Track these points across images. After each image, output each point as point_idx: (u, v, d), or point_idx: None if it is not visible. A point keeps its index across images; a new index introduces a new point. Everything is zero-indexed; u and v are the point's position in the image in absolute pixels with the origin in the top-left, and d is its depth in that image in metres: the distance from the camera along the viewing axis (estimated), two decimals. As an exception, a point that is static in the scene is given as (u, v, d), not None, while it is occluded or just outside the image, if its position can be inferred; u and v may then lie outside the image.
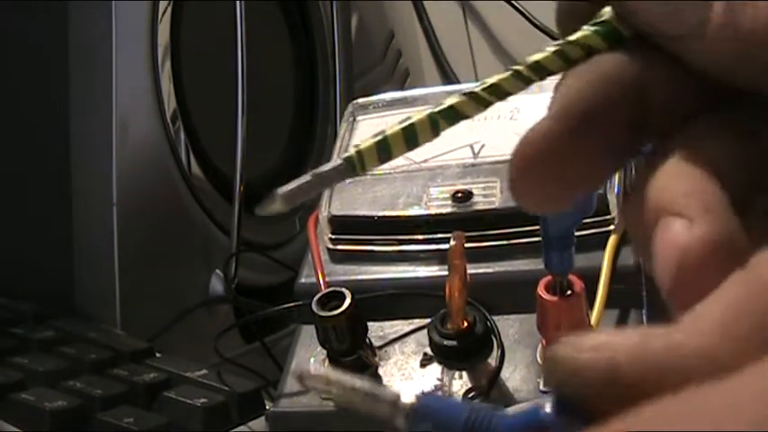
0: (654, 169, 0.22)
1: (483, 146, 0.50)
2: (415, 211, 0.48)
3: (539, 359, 0.43)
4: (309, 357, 0.46)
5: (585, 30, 0.24)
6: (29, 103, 0.61)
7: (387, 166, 0.51)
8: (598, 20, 0.24)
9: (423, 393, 0.24)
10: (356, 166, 0.25)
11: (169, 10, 0.64)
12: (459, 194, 0.47)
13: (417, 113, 0.25)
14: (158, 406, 0.47)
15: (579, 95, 0.22)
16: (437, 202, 0.48)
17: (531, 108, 0.52)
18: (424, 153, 0.51)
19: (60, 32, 0.59)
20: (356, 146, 0.25)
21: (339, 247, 0.49)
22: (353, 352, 0.43)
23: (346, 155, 0.25)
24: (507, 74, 0.25)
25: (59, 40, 0.59)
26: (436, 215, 0.47)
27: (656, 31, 0.22)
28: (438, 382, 0.43)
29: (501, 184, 0.47)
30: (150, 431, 0.44)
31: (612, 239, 0.44)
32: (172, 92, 0.63)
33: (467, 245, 0.41)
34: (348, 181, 0.50)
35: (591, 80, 0.22)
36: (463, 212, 0.47)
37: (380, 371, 0.44)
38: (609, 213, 0.45)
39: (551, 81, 0.56)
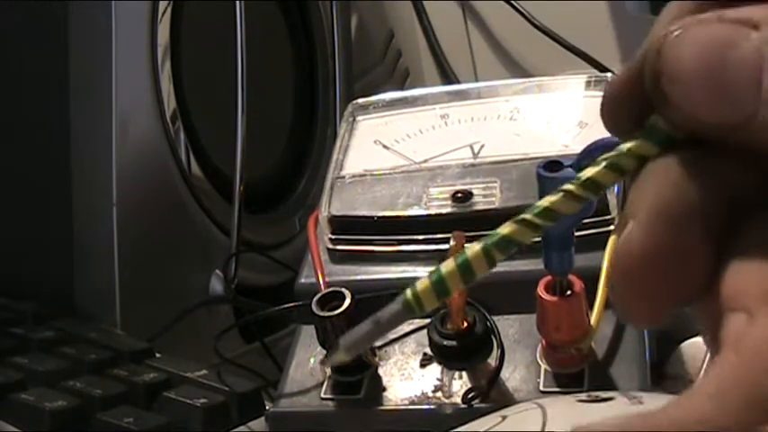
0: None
1: (483, 146, 0.50)
2: (414, 211, 0.48)
3: (539, 359, 0.43)
4: (309, 357, 0.46)
5: (636, 139, 0.23)
6: (29, 102, 0.61)
7: (387, 166, 0.51)
8: (648, 126, 0.23)
9: None
10: (414, 308, 0.25)
11: (169, 10, 0.64)
12: (459, 194, 0.47)
13: (471, 247, 0.25)
14: (158, 406, 0.47)
15: (669, 202, 0.22)
16: (437, 202, 0.48)
17: (530, 108, 0.52)
18: (424, 153, 0.51)
19: (60, 32, 0.59)
20: (412, 287, 0.25)
21: (339, 247, 0.49)
22: (353, 352, 0.43)
23: (403, 299, 0.26)
24: (559, 195, 0.24)
25: (59, 40, 0.59)
26: (436, 215, 0.47)
27: (718, 125, 0.21)
28: (438, 383, 0.43)
29: (501, 184, 0.47)
30: (150, 431, 0.44)
31: (612, 239, 0.44)
32: (172, 92, 0.63)
33: (467, 245, 0.41)
34: (348, 181, 0.50)
35: (675, 184, 0.22)
36: (463, 212, 0.47)
37: (380, 371, 0.44)
38: (609, 213, 0.45)
39: (551, 81, 0.56)
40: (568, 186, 0.24)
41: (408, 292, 0.25)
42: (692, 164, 0.22)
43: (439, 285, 0.25)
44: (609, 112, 0.24)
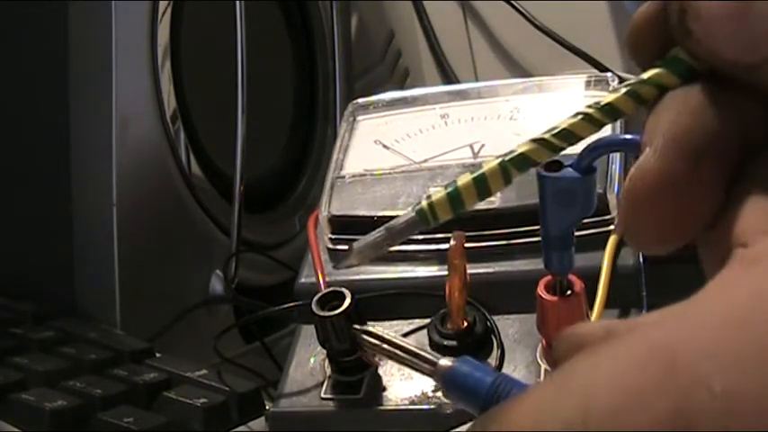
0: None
1: (483, 146, 0.50)
2: (415, 211, 0.47)
3: (539, 359, 0.43)
4: (309, 357, 0.46)
5: (657, 68, 0.23)
6: (29, 103, 0.61)
7: (387, 166, 0.51)
8: (669, 57, 0.23)
9: (459, 358, 0.25)
10: (428, 218, 0.26)
11: (169, 10, 0.64)
12: (459, 194, 0.47)
13: (487, 162, 0.25)
14: (158, 406, 0.47)
15: (686, 129, 0.22)
16: (437, 201, 0.48)
17: (530, 108, 0.52)
18: (424, 153, 0.51)
19: (60, 32, 0.59)
20: (428, 197, 0.25)
21: (339, 247, 0.49)
22: (353, 352, 0.43)
23: (418, 207, 0.26)
24: (578, 118, 0.24)
25: (59, 40, 0.59)
26: (436, 215, 0.47)
27: (736, 62, 0.22)
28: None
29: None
30: (150, 431, 0.44)
31: (612, 239, 0.44)
32: (172, 92, 0.63)
33: (467, 245, 0.41)
34: (348, 181, 0.50)
35: (693, 112, 0.22)
36: (463, 212, 0.47)
37: (380, 371, 0.44)
38: (609, 213, 0.45)
39: (551, 81, 0.56)
40: (587, 109, 0.24)
41: (424, 202, 0.25)
42: (710, 94, 0.22)
43: (455, 197, 0.25)
44: (632, 44, 0.24)
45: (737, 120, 0.22)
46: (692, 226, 0.22)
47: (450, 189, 0.25)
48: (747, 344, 0.16)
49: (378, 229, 0.26)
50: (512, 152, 0.25)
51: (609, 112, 0.24)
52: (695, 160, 0.21)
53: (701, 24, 0.22)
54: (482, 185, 0.25)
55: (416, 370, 0.26)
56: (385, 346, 0.29)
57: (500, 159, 0.25)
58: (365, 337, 0.29)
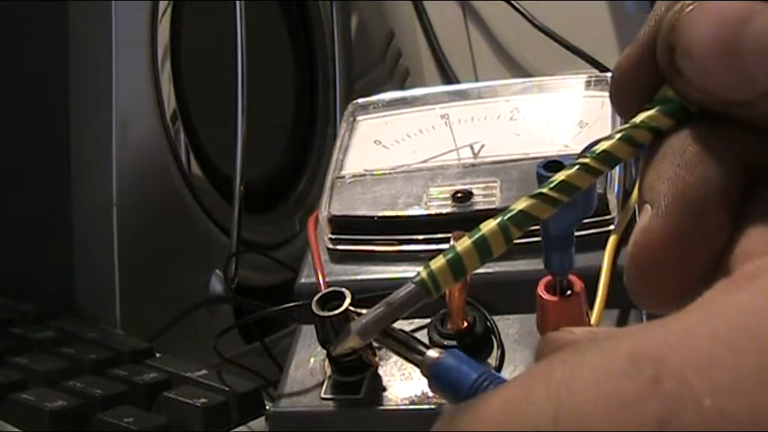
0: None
1: (483, 146, 0.50)
2: (414, 211, 0.48)
3: (539, 359, 0.43)
4: (309, 357, 0.46)
5: (649, 110, 0.23)
6: (29, 103, 0.61)
7: (386, 167, 0.51)
8: (660, 98, 0.23)
9: (447, 350, 0.25)
10: (430, 288, 0.25)
11: (169, 10, 0.64)
12: (459, 194, 0.47)
13: (486, 224, 0.24)
14: (158, 406, 0.47)
15: (687, 185, 0.21)
16: (437, 202, 0.48)
17: (530, 108, 0.52)
18: (424, 153, 0.51)
19: (60, 32, 0.59)
20: (426, 267, 0.24)
21: (339, 247, 0.49)
22: (353, 352, 0.43)
23: (418, 278, 0.25)
24: (574, 169, 0.24)
25: (59, 40, 0.59)
26: (436, 215, 0.47)
27: (730, 100, 0.21)
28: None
29: (501, 184, 0.47)
30: (150, 431, 0.44)
31: (612, 239, 0.44)
32: (172, 92, 0.63)
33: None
34: (348, 181, 0.50)
35: (691, 165, 0.21)
36: (463, 212, 0.47)
37: (380, 371, 0.44)
38: (609, 213, 0.45)
39: (551, 81, 0.56)
40: (584, 160, 0.24)
41: (423, 273, 0.24)
42: (706, 140, 0.21)
43: (456, 265, 0.24)
44: (619, 90, 0.24)
45: (737, 158, 0.21)
46: (701, 278, 0.21)
47: (449, 256, 0.24)
48: (740, 360, 0.16)
49: (376, 306, 0.25)
50: (510, 210, 0.24)
51: (605, 159, 0.24)
52: (700, 215, 0.21)
53: (691, 63, 0.21)
54: (483, 248, 0.24)
55: (405, 358, 0.26)
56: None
57: (498, 219, 0.24)
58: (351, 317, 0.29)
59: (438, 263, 0.24)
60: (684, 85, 0.22)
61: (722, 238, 0.21)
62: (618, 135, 0.23)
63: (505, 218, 0.24)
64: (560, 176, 0.24)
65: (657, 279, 0.21)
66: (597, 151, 0.24)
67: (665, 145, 0.22)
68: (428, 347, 0.25)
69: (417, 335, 0.45)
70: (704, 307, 0.18)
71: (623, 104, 0.24)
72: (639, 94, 0.23)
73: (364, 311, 0.27)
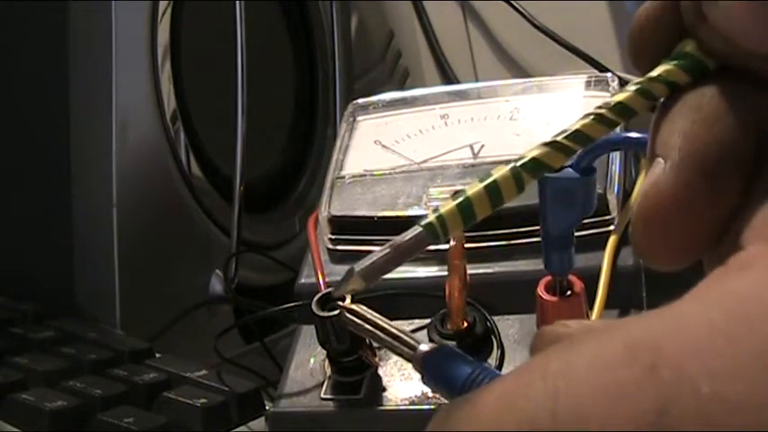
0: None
1: (483, 146, 0.50)
2: (414, 211, 0.48)
3: (539, 359, 0.43)
4: (309, 357, 0.46)
5: (666, 64, 0.23)
6: (29, 103, 0.61)
7: (387, 166, 0.51)
8: (678, 53, 0.23)
9: (440, 345, 0.24)
10: (438, 232, 0.24)
11: (169, 10, 0.64)
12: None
13: (498, 169, 0.24)
14: (158, 406, 0.47)
15: (702, 142, 0.21)
16: (437, 202, 0.48)
17: (530, 108, 0.52)
18: (424, 153, 0.51)
19: (60, 32, 0.59)
20: (435, 210, 0.24)
21: (339, 247, 0.49)
22: (353, 352, 0.43)
23: (426, 221, 0.24)
24: (590, 119, 0.23)
25: (59, 40, 0.59)
26: (436, 215, 0.47)
27: (753, 51, 0.21)
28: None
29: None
30: (150, 431, 0.44)
31: (612, 239, 0.44)
32: (172, 92, 0.63)
33: (467, 245, 0.41)
34: (348, 181, 0.50)
35: (708, 123, 0.21)
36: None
37: (380, 371, 0.44)
38: (609, 213, 0.45)
39: (551, 81, 0.56)
40: (598, 110, 0.23)
41: (432, 216, 0.24)
42: (724, 96, 0.21)
43: (465, 208, 0.24)
44: (637, 43, 0.24)
45: (753, 119, 0.21)
46: (707, 239, 0.21)
47: (460, 199, 0.24)
48: (738, 348, 0.16)
49: (382, 248, 0.24)
50: (523, 157, 0.24)
51: (620, 110, 0.23)
52: (713, 174, 0.21)
53: (717, 10, 0.21)
54: (494, 193, 0.24)
55: (397, 353, 0.26)
56: (367, 325, 0.28)
57: (512, 165, 0.24)
58: (348, 315, 0.28)
59: (448, 206, 0.24)
60: (708, 33, 0.21)
61: (732, 201, 0.21)
62: (634, 87, 0.23)
63: (518, 164, 0.24)
64: (575, 126, 0.24)
65: (663, 234, 0.21)
66: (613, 102, 0.23)
67: (681, 100, 0.22)
68: (419, 342, 0.25)
69: (417, 335, 0.45)
70: (700, 296, 0.17)
71: (641, 57, 0.24)
72: (658, 47, 0.23)
73: (359, 309, 0.27)
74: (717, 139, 0.21)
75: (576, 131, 0.24)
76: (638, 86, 0.23)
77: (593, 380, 0.16)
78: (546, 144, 0.24)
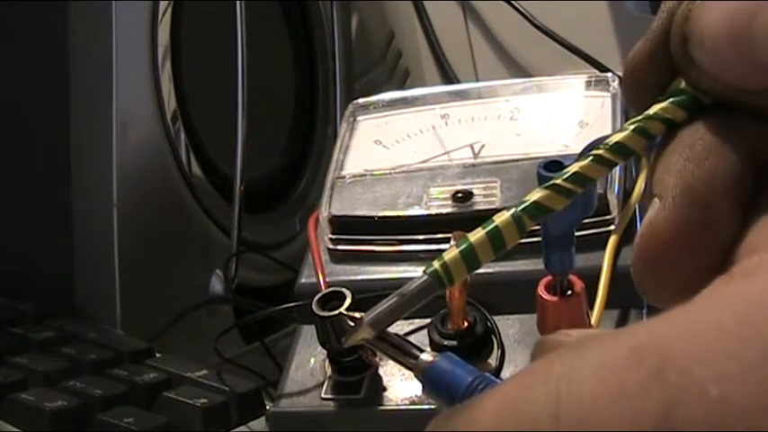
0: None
1: (483, 146, 0.50)
2: (415, 211, 0.48)
3: (539, 359, 0.43)
4: (309, 357, 0.46)
5: (662, 102, 0.23)
6: (29, 103, 0.61)
7: (386, 166, 0.51)
8: (674, 90, 0.23)
9: (442, 354, 0.25)
10: (443, 279, 0.24)
11: (169, 10, 0.64)
12: (459, 194, 0.47)
13: (499, 215, 0.24)
14: (158, 406, 0.47)
15: (695, 178, 0.21)
16: (437, 202, 0.48)
17: (530, 108, 0.52)
18: (425, 153, 0.51)
19: (60, 32, 0.59)
20: (439, 258, 0.24)
21: (339, 247, 0.49)
22: (354, 352, 0.43)
23: (431, 269, 0.24)
24: (588, 160, 0.24)
25: (59, 40, 0.59)
26: (436, 215, 0.47)
27: (743, 89, 0.21)
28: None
29: (501, 184, 0.47)
30: (150, 431, 0.44)
31: (612, 239, 0.44)
32: (172, 92, 0.63)
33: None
34: (348, 181, 0.50)
35: (700, 159, 0.21)
36: (463, 212, 0.47)
37: (380, 371, 0.44)
38: (609, 213, 0.45)
39: (551, 81, 0.56)
40: (598, 151, 0.24)
41: (436, 263, 0.24)
42: (718, 131, 0.22)
43: (469, 256, 0.24)
44: (631, 83, 0.24)
45: (748, 150, 0.21)
46: (708, 271, 0.21)
47: (462, 246, 0.24)
48: (747, 351, 0.16)
49: (388, 297, 0.25)
50: (524, 202, 0.24)
51: (618, 150, 0.23)
52: (707, 207, 0.21)
53: (704, 52, 0.21)
54: (497, 239, 0.24)
55: (398, 362, 0.26)
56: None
57: (512, 210, 0.24)
58: (349, 323, 0.29)
59: (451, 254, 0.24)
60: (697, 74, 0.22)
61: (730, 229, 0.21)
62: (631, 127, 0.23)
63: (519, 209, 0.24)
64: (574, 168, 0.24)
65: (664, 271, 0.21)
66: (611, 143, 0.24)
67: (675, 138, 0.22)
68: (422, 351, 0.25)
69: (418, 335, 0.45)
70: (706, 301, 0.18)
71: (636, 98, 0.24)
72: (652, 87, 0.23)
73: (358, 315, 0.27)
74: (709, 173, 0.21)
75: (575, 173, 0.24)
76: (635, 125, 0.23)
77: (597, 383, 0.16)
78: (546, 187, 0.24)
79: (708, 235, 0.21)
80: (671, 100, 0.23)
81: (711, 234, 0.21)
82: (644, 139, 0.23)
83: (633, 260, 0.22)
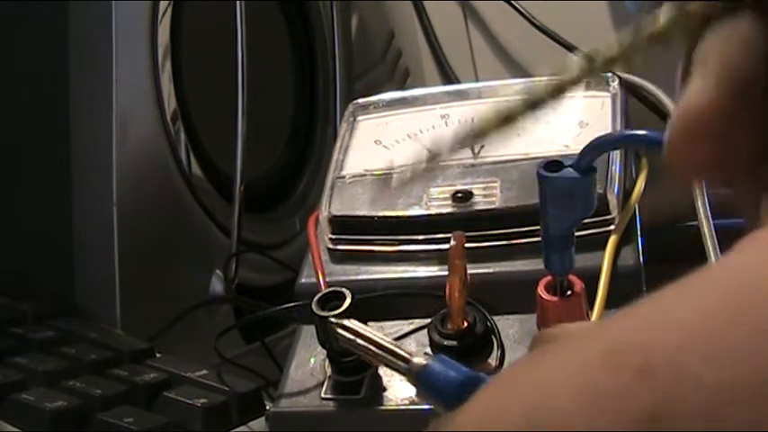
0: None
1: (483, 146, 0.50)
2: (415, 211, 0.48)
3: (539, 359, 0.43)
4: (309, 357, 0.46)
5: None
6: (29, 102, 0.61)
7: (387, 166, 0.51)
8: None
9: (434, 357, 0.25)
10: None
11: (169, 10, 0.64)
12: (460, 194, 0.47)
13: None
14: (158, 406, 0.47)
15: (738, 61, 0.21)
16: (437, 202, 0.48)
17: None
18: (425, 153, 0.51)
19: (60, 32, 0.59)
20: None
21: (339, 247, 0.49)
22: (354, 352, 0.43)
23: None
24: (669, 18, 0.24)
25: (59, 40, 0.59)
26: (436, 215, 0.47)
27: None
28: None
29: (501, 184, 0.47)
30: (150, 431, 0.44)
31: (612, 239, 0.44)
32: (172, 92, 0.63)
33: (467, 245, 0.41)
34: (348, 181, 0.50)
35: (744, 44, 0.22)
36: (463, 212, 0.47)
37: (380, 371, 0.44)
38: (609, 213, 0.45)
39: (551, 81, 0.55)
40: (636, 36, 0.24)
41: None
42: (759, 25, 0.22)
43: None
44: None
45: None
46: (737, 161, 0.21)
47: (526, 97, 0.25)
48: (737, 330, 0.15)
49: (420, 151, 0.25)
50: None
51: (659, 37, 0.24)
52: (745, 96, 0.21)
53: None
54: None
55: (391, 368, 0.26)
56: (359, 341, 0.28)
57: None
58: (340, 330, 0.28)
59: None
60: None
61: (758, 133, 0.21)
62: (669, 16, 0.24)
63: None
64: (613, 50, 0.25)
65: (700, 140, 0.21)
66: (646, 33, 0.25)
67: (720, 27, 0.22)
68: (413, 355, 0.25)
69: (418, 335, 0.46)
70: (683, 285, 0.17)
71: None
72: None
73: (347, 323, 0.27)
74: (752, 62, 0.21)
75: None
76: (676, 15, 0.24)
77: (569, 387, 0.15)
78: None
79: (739, 123, 0.21)
80: None
81: (742, 123, 0.21)
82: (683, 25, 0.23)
83: (670, 125, 0.22)
